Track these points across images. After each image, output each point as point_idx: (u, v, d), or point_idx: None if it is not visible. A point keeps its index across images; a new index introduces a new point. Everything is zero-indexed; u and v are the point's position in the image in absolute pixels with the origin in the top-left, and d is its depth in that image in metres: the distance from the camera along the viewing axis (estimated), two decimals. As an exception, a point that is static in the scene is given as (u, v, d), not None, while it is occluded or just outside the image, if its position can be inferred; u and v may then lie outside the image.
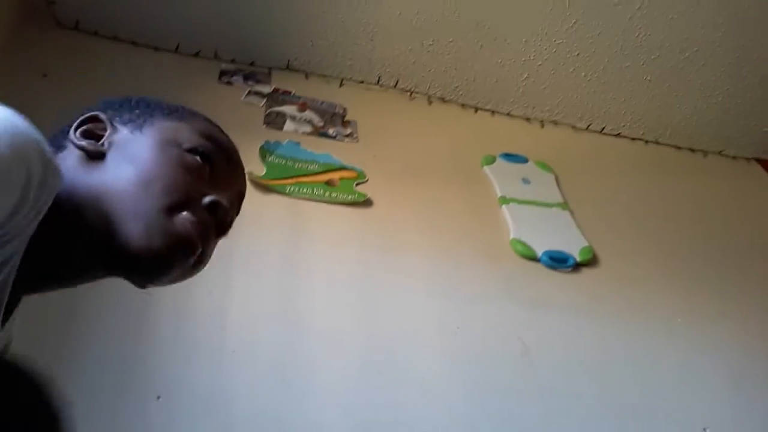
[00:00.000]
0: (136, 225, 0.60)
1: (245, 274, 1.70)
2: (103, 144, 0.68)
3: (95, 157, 0.66)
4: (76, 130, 0.69)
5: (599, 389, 1.73)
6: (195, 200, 0.65)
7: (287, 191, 1.97)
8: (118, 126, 0.71)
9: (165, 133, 0.69)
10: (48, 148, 0.53)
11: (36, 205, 0.51)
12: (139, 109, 0.75)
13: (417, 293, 1.82)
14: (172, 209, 0.63)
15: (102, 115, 0.72)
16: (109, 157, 0.66)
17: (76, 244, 0.62)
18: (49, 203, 0.54)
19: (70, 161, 0.65)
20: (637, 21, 2.40)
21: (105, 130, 0.70)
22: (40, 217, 0.53)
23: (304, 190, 1.99)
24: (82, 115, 0.72)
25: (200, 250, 0.66)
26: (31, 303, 0.68)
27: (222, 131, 0.78)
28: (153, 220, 0.61)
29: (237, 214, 0.78)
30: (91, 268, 0.65)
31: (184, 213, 0.63)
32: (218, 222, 0.69)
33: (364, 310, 1.74)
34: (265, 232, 1.83)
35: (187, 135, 0.70)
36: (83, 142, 0.67)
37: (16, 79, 1.97)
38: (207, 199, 0.66)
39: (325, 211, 1.97)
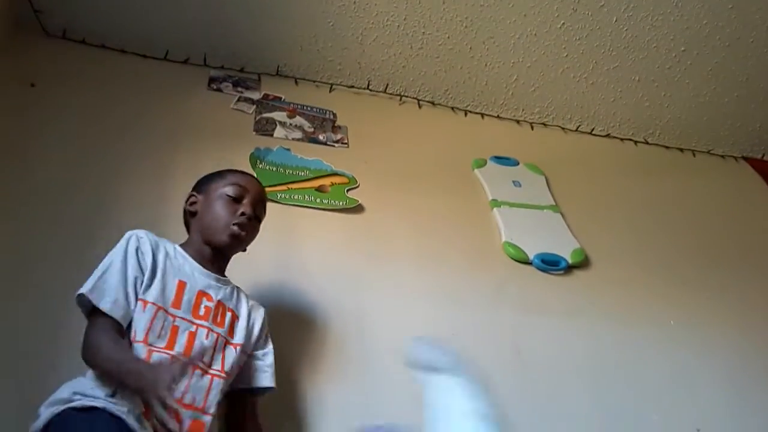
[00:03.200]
0: (217, 235, 1.39)
1: (237, 281, 1.69)
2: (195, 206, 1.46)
3: (194, 214, 1.45)
4: (186, 202, 1.49)
5: (592, 391, 1.74)
6: (235, 214, 1.39)
7: (278, 198, 1.96)
8: (198, 194, 1.47)
9: (215, 191, 1.43)
10: (141, 234, 1.32)
11: (141, 248, 1.29)
12: (205, 181, 1.48)
13: (409, 298, 1.83)
14: (228, 225, 1.38)
15: (193, 193, 1.48)
16: (198, 212, 1.44)
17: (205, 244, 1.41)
18: (151, 245, 1.31)
19: (189, 218, 1.46)
20: (624, 22, 2.41)
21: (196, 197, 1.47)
22: (152, 249, 1.31)
23: (296, 197, 1.99)
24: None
25: (244, 234, 1.41)
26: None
27: (241, 173, 1.49)
28: (222, 231, 1.38)
29: (263, 208, 1.49)
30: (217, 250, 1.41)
31: (233, 223, 1.38)
32: (249, 218, 1.40)
33: (357, 316, 1.74)
34: (257, 239, 1.82)
35: (223, 187, 1.43)
36: (189, 209, 1.47)
37: (4, 88, 1.96)
38: (239, 212, 1.40)
39: (317, 218, 1.97)
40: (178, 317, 1.24)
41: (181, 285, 1.29)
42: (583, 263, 2.09)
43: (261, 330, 1.41)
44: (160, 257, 1.29)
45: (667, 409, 1.75)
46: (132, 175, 1.87)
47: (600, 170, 2.56)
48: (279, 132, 2.24)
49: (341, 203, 2.02)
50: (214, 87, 2.33)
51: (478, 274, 1.96)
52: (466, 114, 2.64)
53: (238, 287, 1.44)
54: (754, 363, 1.94)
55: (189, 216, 1.45)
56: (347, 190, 2.09)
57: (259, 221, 1.47)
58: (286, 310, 1.69)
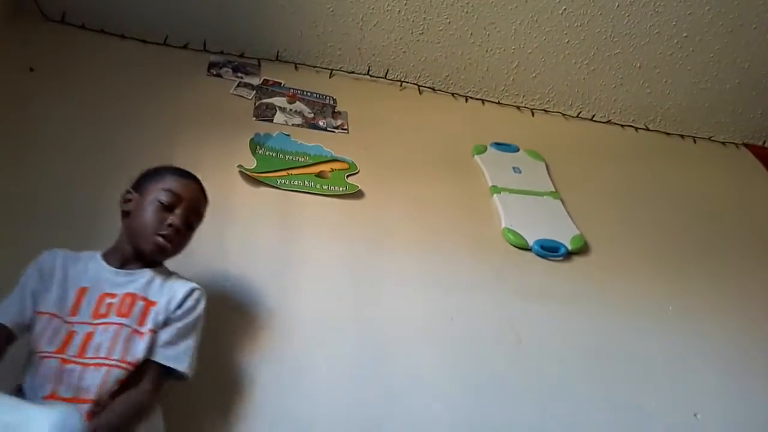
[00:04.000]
0: (142, 242, 1.33)
1: (237, 267, 1.70)
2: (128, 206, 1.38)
3: (127, 214, 1.37)
4: (121, 198, 1.41)
5: (591, 377, 1.75)
6: (162, 224, 1.33)
7: (278, 184, 1.96)
8: (134, 193, 1.39)
9: (150, 193, 1.36)
10: (45, 254, 1.30)
11: (42, 265, 1.28)
12: (143, 179, 1.40)
13: (409, 284, 1.83)
14: (153, 234, 1.32)
15: (130, 189, 1.40)
16: (132, 212, 1.36)
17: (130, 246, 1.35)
18: (52, 261, 1.29)
19: (122, 217, 1.39)
20: (626, 8, 2.40)
21: (132, 195, 1.39)
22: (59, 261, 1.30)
23: (295, 183, 1.99)
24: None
25: (170, 246, 1.34)
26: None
27: (180, 176, 1.41)
28: (147, 240, 1.32)
29: (199, 216, 1.43)
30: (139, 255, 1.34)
31: (159, 233, 1.32)
32: (176, 230, 1.34)
33: (357, 302, 1.74)
34: (257, 224, 1.83)
35: (158, 192, 1.36)
36: (122, 208, 1.39)
37: (3, 73, 1.95)
38: (167, 222, 1.33)
39: (317, 203, 1.96)
40: (76, 323, 1.22)
41: (81, 291, 1.26)
42: (582, 249, 2.09)
43: (177, 307, 1.29)
44: (59, 269, 1.28)
45: (666, 395, 1.75)
46: (131, 161, 1.85)
47: (600, 157, 2.56)
48: (279, 117, 2.24)
49: (341, 189, 2.02)
50: (214, 72, 2.32)
51: (478, 260, 1.96)
52: (466, 100, 2.64)
53: (167, 273, 1.36)
54: (753, 349, 1.94)
55: (122, 214, 1.39)
56: (347, 176, 2.09)
57: (192, 229, 1.41)
58: (286, 296, 1.69)
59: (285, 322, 1.63)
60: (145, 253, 1.32)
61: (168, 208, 1.34)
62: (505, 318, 1.82)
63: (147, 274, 1.32)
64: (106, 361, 1.18)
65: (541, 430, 1.61)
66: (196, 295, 1.33)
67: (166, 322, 1.27)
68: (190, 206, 1.38)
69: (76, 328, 1.21)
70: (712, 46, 2.55)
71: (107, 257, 1.33)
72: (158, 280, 1.32)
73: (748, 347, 1.94)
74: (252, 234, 1.80)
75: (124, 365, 1.19)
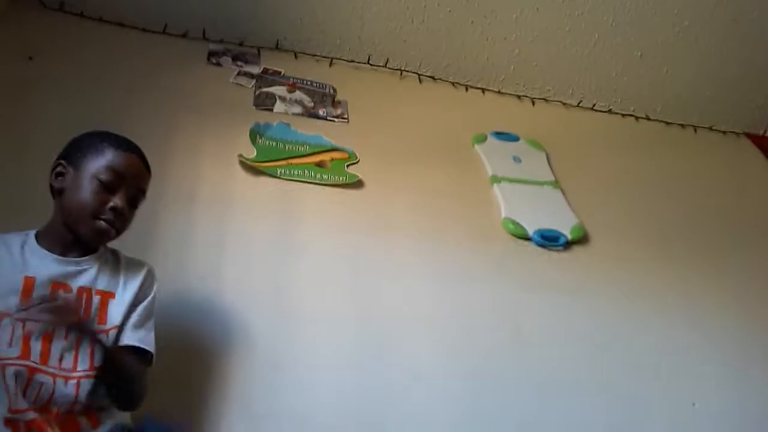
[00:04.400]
0: (80, 226, 1.20)
1: (237, 257, 1.70)
2: (62, 182, 1.23)
3: (60, 192, 1.22)
4: (52, 172, 1.25)
5: (591, 367, 1.75)
6: (104, 206, 1.19)
7: (278, 173, 1.96)
8: (68, 167, 1.23)
9: (88, 169, 1.21)
10: None
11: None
12: (78, 152, 1.24)
13: (409, 273, 1.83)
14: (94, 217, 1.19)
15: (63, 161, 1.24)
16: (66, 190, 1.22)
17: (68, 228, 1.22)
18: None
19: (54, 194, 1.24)
20: (628, -3, 2.39)
21: (65, 169, 1.23)
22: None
23: (295, 172, 1.99)
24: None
25: (114, 232, 1.21)
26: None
27: (122, 150, 1.24)
28: (86, 223, 1.19)
29: (143, 193, 1.28)
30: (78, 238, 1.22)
31: (100, 217, 1.19)
32: (119, 213, 1.20)
33: (357, 292, 1.74)
34: (256, 214, 1.83)
35: (97, 169, 1.20)
36: (54, 184, 1.23)
37: (2, 62, 1.94)
38: (109, 205, 1.19)
39: (317, 193, 1.96)
40: (30, 320, 1.09)
41: (28, 282, 1.12)
42: (582, 239, 2.10)
43: (138, 292, 1.23)
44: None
45: (664, 384, 1.76)
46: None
47: (601, 146, 2.55)
48: (279, 107, 2.23)
49: (341, 179, 2.02)
50: (214, 61, 2.31)
51: (478, 250, 1.96)
52: (466, 89, 2.63)
53: (114, 254, 1.28)
54: (751, 339, 1.95)
55: (53, 191, 1.24)
56: (347, 166, 2.08)
57: (136, 207, 1.27)
58: (285, 286, 1.69)
59: (284, 312, 1.63)
60: (84, 238, 1.20)
61: (109, 188, 1.20)
62: (505, 307, 1.83)
63: (95, 262, 1.22)
64: (74, 374, 1.10)
65: (540, 419, 1.62)
66: (150, 276, 1.28)
67: (131, 310, 1.21)
68: (134, 185, 1.24)
69: (32, 326, 1.09)
70: (714, 36, 2.54)
71: (43, 241, 1.20)
72: (106, 268, 1.23)
73: (746, 337, 1.95)
74: (251, 223, 1.80)
75: (93, 372, 1.12)
